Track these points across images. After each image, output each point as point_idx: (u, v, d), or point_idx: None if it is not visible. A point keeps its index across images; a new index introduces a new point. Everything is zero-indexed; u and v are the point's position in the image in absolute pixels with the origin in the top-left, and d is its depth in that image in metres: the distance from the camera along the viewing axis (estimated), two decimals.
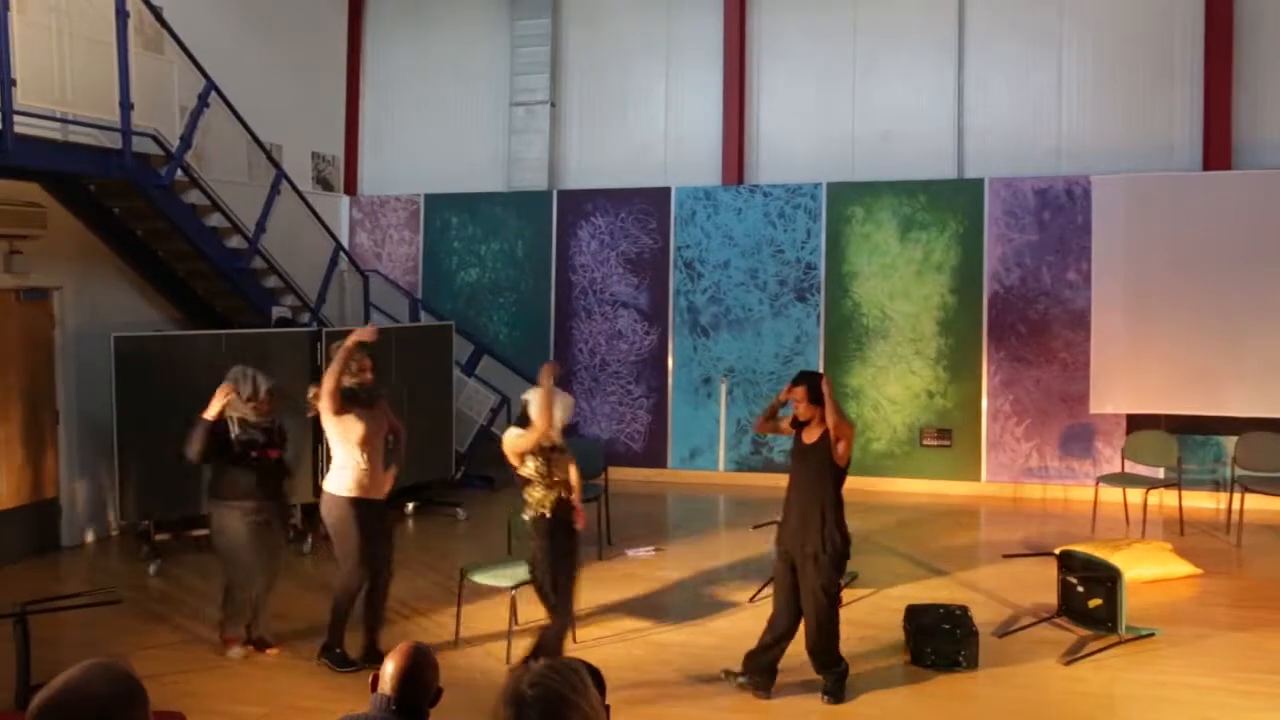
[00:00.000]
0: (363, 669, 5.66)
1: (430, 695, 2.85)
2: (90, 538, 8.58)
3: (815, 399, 5.44)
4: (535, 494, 5.40)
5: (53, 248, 8.14)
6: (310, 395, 5.91)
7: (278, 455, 6.06)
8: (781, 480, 5.89)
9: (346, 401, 5.72)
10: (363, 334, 5.79)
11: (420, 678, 2.83)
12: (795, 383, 5.56)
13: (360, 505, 5.79)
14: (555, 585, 5.38)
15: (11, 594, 6.16)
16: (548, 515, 5.38)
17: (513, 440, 5.41)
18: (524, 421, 5.42)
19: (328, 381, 5.65)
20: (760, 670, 5.53)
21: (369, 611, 5.96)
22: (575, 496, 5.54)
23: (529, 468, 5.39)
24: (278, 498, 6.08)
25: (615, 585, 7.44)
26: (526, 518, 5.47)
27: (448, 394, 10.09)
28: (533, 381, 11.55)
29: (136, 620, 6.66)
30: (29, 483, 8.21)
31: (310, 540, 8.35)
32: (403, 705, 2.79)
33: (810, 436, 5.50)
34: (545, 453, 5.39)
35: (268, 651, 6.12)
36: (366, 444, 5.80)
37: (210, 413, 5.76)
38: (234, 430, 5.87)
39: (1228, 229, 9.53)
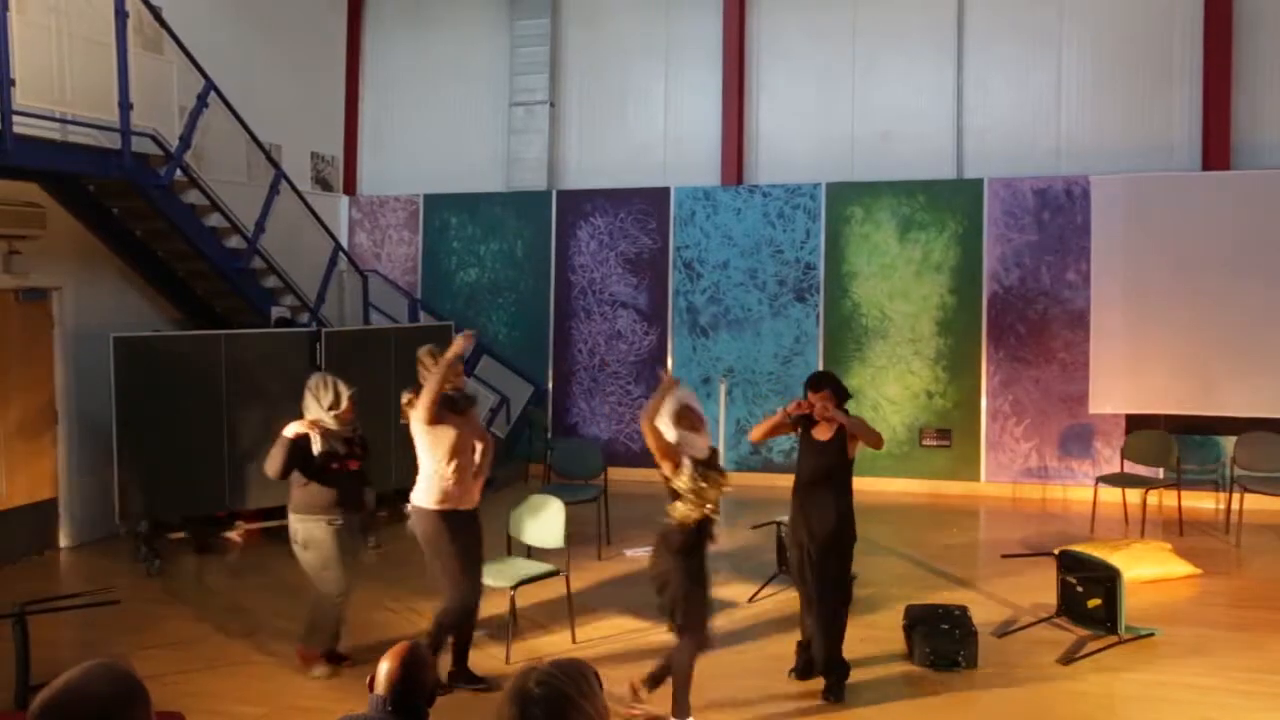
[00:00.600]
0: (479, 688, 5.55)
1: (427, 694, 2.84)
2: (90, 538, 8.57)
3: (840, 402, 5.50)
4: (680, 509, 5.01)
5: (52, 248, 8.14)
6: (404, 402, 5.69)
7: (358, 466, 5.83)
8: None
9: (440, 409, 5.52)
10: (463, 344, 5.53)
11: (417, 677, 2.83)
12: (815, 387, 5.51)
13: (450, 517, 5.58)
14: (689, 604, 5.07)
15: (11, 594, 6.15)
16: (690, 531, 5.04)
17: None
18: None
19: (427, 394, 5.44)
20: (807, 661, 5.67)
21: (461, 639, 5.74)
22: (716, 514, 5.17)
23: (683, 480, 4.99)
24: (359, 509, 5.91)
25: (615, 585, 7.45)
26: (674, 525, 5.06)
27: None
28: (532, 382, 11.60)
29: (136, 620, 6.65)
30: (29, 483, 8.21)
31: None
32: (399, 705, 2.78)
33: (823, 434, 5.53)
34: (701, 467, 5.04)
35: (344, 664, 5.89)
36: (456, 453, 5.57)
37: (291, 431, 5.58)
38: (315, 443, 5.63)
39: (1227, 229, 9.53)
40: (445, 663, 5.64)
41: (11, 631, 5.32)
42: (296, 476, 5.65)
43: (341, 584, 5.77)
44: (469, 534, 5.67)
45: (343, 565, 5.76)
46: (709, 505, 5.03)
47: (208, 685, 5.65)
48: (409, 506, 5.70)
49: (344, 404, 5.72)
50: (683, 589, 5.04)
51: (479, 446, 5.81)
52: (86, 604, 6.06)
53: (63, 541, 8.45)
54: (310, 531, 5.68)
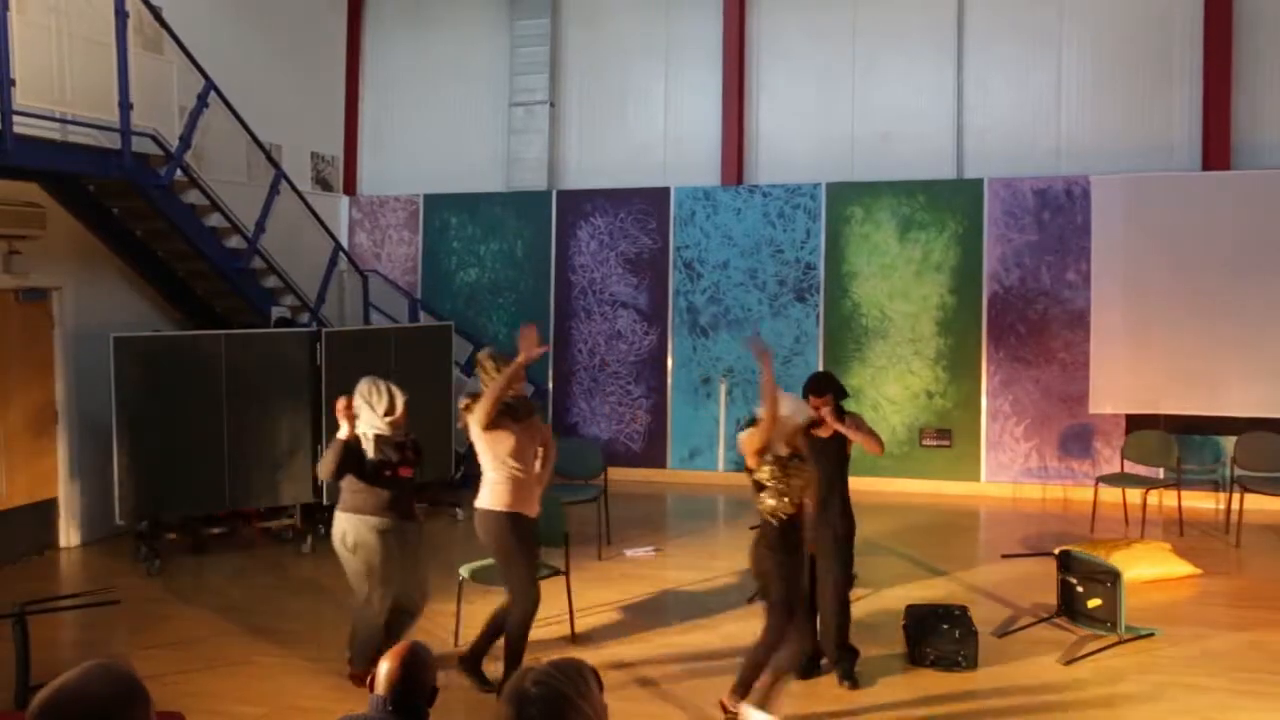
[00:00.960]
0: (484, 688, 5.48)
1: (428, 694, 2.84)
2: (90, 538, 8.57)
3: (840, 407, 5.57)
4: (768, 502, 5.02)
5: (52, 248, 8.15)
6: (462, 406, 5.58)
7: (410, 474, 5.64)
8: None
9: (499, 415, 5.42)
10: (534, 352, 5.34)
11: (417, 677, 2.82)
12: (818, 392, 5.54)
13: (515, 520, 5.49)
14: (782, 600, 5.04)
15: (11, 594, 6.16)
16: (776, 524, 5.00)
17: (744, 437, 5.11)
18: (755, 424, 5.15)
19: (488, 399, 5.32)
20: (811, 658, 5.67)
21: (491, 635, 5.63)
22: (810, 511, 5.16)
23: (764, 473, 5.02)
24: (412, 517, 5.72)
25: (615, 585, 7.45)
26: (767, 518, 5.07)
27: (447, 394, 10.07)
28: (532, 382, 11.61)
29: (136, 620, 6.65)
30: (29, 483, 8.21)
31: (310, 541, 8.36)
32: (400, 705, 2.78)
33: (824, 432, 5.59)
34: (783, 460, 5.02)
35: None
36: (515, 459, 5.48)
37: (343, 434, 5.41)
38: (368, 448, 5.48)
39: (1227, 229, 9.53)
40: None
41: (11, 631, 5.32)
42: (349, 480, 5.50)
43: (388, 592, 5.52)
44: (532, 540, 5.64)
45: (392, 572, 5.53)
46: (792, 493, 5.00)
47: (208, 685, 5.65)
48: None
49: (399, 409, 5.55)
50: (778, 584, 5.01)
51: (540, 453, 5.72)
52: (86, 604, 6.06)
53: (63, 541, 8.46)
54: (359, 533, 5.49)
